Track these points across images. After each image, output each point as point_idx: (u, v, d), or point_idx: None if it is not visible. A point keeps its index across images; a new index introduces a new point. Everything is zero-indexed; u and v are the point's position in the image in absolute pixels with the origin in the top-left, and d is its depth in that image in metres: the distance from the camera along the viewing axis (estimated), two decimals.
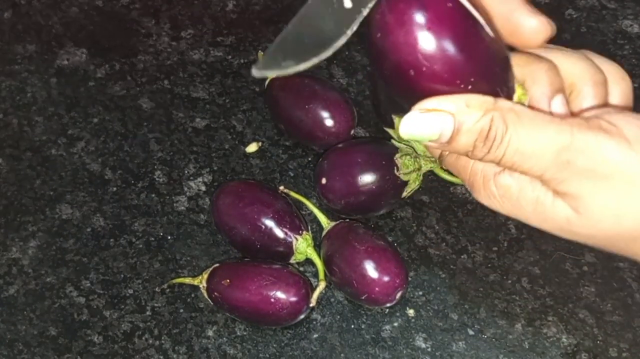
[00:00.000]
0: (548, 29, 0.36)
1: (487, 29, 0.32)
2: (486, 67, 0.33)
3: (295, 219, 0.56)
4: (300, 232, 0.55)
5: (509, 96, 0.34)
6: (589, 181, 0.32)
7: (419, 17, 0.30)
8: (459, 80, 0.32)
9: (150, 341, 0.55)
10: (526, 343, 0.54)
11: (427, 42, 0.30)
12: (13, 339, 0.55)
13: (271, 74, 0.31)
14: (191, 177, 0.61)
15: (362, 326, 0.55)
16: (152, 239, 0.59)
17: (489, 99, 0.32)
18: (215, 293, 0.53)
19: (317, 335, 0.55)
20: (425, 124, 0.32)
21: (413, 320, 0.55)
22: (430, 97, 0.32)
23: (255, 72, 0.31)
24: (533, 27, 0.35)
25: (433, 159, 0.56)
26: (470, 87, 0.32)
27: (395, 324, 0.55)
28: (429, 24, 0.30)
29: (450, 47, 0.31)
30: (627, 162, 0.31)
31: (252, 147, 0.62)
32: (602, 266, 0.57)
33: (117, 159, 0.62)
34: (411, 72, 0.31)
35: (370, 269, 0.52)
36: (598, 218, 0.33)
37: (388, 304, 0.54)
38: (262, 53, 0.65)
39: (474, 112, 0.32)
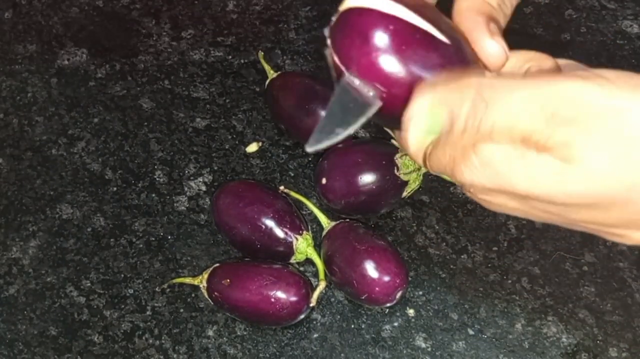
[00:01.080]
0: (503, 57, 0.36)
1: (440, 35, 0.33)
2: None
3: (296, 219, 0.56)
4: (301, 232, 0.55)
5: None
6: (578, 127, 0.31)
7: (365, 50, 0.32)
8: None
9: (151, 341, 0.55)
10: (526, 342, 0.54)
11: (377, 73, 0.32)
12: (13, 338, 0.55)
13: (324, 145, 0.34)
14: (191, 177, 0.61)
15: (362, 326, 0.55)
16: (153, 239, 0.59)
17: (460, 83, 0.32)
18: (216, 293, 0.53)
19: (317, 335, 0.55)
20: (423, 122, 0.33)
21: (413, 320, 0.55)
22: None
23: (310, 149, 0.34)
24: (492, 51, 0.35)
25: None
26: None
27: (396, 324, 0.55)
28: (375, 55, 0.32)
29: (401, 70, 0.32)
30: (612, 100, 0.30)
31: (253, 147, 0.62)
32: (602, 266, 0.57)
33: (118, 159, 0.62)
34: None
35: (371, 269, 0.52)
36: (592, 163, 0.31)
37: (388, 304, 0.54)
38: (262, 53, 0.65)
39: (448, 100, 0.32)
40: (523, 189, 0.33)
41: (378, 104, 0.33)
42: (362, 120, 0.34)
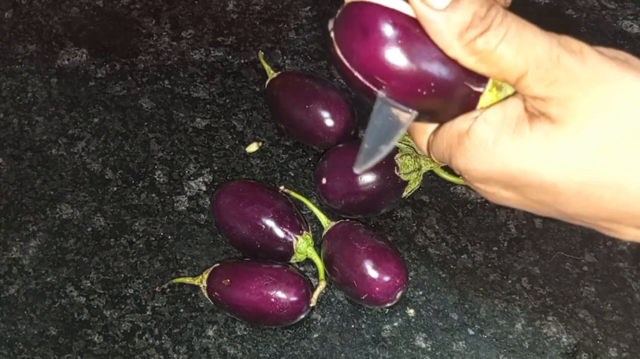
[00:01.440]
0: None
1: None
2: (446, 68, 0.33)
3: (296, 219, 0.56)
4: (301, 232, 0.55)
5: (479, 85, 0.34)
6: (575, 84, 0.31)
7: (362, 44, 0.32)
8: (419, 89, 0.33)
9: (151, 341, 0.55)
10: (526, 342, 0.54)
11: (377, 65, 0.33)
12: (13, 338, 0.55)
13: (371, 165, 0.36)
14: (192, 177, 0.61)
15: (363, 326, 0.55)
16: (153, 239, 0.59)
17: None
18: (216, 293, 0.53)
19: (317, 335, 0.55)
20: None
21: (413, 320, 0.55)
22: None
23: (358, 171, 0.35)
24: None
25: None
26: (433, 91, 0.33)
27: (396, 324, 0.55)
28: (375, 48, 0.32)
29: (401, 62, 0.32)
30: (606, 70, 0.32)
31: (253, 147, 0.62)
32: (602, 266, 0.57)
33: (118, 159, 0.62)
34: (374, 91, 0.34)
35: (371, 269, 0.52)
36: (582, 125, 0.31)
37: (388, 304, 0.54)
38: (262, 53, 0.65)
39: None
40: (514, 169, 0.32)
41: (415, 115, 0.34)
42: (402, 133, 0.35)
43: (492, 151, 0.33)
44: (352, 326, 0.55)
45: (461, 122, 0.34)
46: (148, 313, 0.56)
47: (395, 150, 0.56)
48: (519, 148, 0.32)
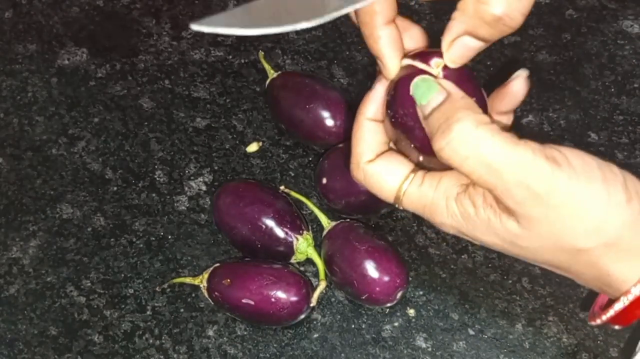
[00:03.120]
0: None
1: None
2: None
3: (296, 219, 0.56)
4: (301, 232, 0.55)
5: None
6: (541, 208, 0.35)
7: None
8: None
9: (151, 341, 0.55)
10: (527, 342, 0.54)
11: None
12: (13, 338, 0.55)
13: (210, 30, 0.35)
14: (192, 177, 0.61)
15: (363, 326, 0.55)
16: (153, 238, 0.59)
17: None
18: (216, 293, 0.53)
19: (317, 335, 0.55)
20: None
21: (413, 320, 0.55)
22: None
23: (196, 27, 0.34)
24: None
25: None
26: None
27: (396, 324, 0.55)
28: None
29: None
30: (573, 192, 0.35)
31: (253, 147, 0.62)
32: None
33: (118, 159, 0.62)
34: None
35: (371, 269, 0.52)
36: (544, 236, 0.37)
37: (388, 304, 0.54)
38: (262, 53, 0.65)
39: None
40: (486, 241, 0.40)
41: None
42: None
43: (472, 222, 0.39)
44: (353, 326, 0.55)
45: (449, 189, 0.39)
46: (148, 312, 0.56)
47: None
48: (492, 231, 0.38)
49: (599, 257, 0.37)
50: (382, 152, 0.42)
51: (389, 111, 0.40)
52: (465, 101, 0.37)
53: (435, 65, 0.38)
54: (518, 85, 0.40)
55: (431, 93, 0.37)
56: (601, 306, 0.42)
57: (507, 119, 0.42)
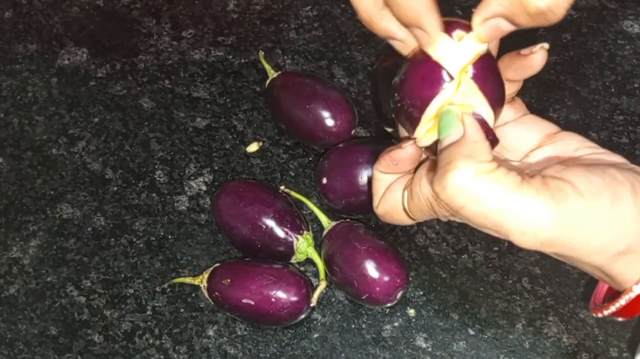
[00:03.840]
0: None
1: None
2: None
3: (296, 219, 0.56)
4: (301, 232, 0.55)
5: None
6: (551, 248, 0.36)
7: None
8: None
9: (151, 341, 0.55)
10: (527, 343, 0.54)
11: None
12: (13, 338, 0.55)
13: None
14: (192, 177, 0.61)
15: (363, 326, 0.55)
16: (153, 238, 0.59)
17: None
18: (216, 293, 0.53)
19: (317, 335, 0.55)
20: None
21: (414, 320, 0.55)
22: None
23: None
24: None
25: None
26: None
27: (396, 324, 0.55)
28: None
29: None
30: (581, 219, 0.35)
31: (253, 147, 0.62)
32: None
33: (118, 159, 0.62)
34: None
35: (371, 269, 0.52)
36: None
37: (389, 304, 0.54)
38: (262, 53, 0.65)
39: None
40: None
41: None
42: None
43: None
44: (353, 326, 0.55)
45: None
46: (148, 312, 0.56)
47: None
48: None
49: (609, 266, 0.37)
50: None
51: (395, 95, 0.39)
52: (474, 147, 0.36)
53: (457, 38, 0.37)
54: (539, 57, 0.38)
55: (451, 128, 0.36)
56: (601, 296, 0.42)
57: (517, 86, 0.41)
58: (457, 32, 0.37)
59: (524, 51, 0.39)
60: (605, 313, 0.40)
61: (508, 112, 0.42)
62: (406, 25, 0.37)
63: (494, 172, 0.35)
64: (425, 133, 0.38)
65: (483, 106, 0.38)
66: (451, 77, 0.37)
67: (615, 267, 0.37)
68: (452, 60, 0.37)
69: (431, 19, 0.36)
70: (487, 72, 0.38)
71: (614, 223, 0.35)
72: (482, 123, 0.38)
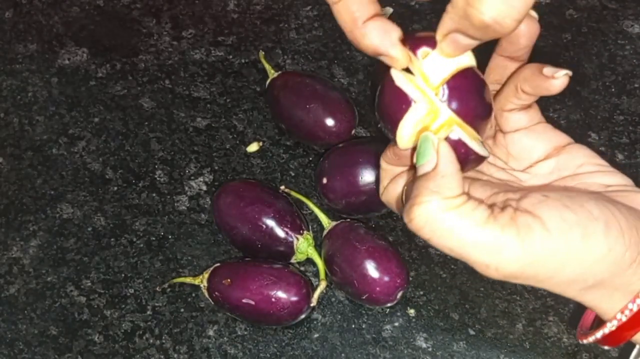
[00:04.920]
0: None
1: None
2: None
3: (296, 219, 0.56)
4: (301, 231, 0.55)
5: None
6: (515, 280, 0.36)
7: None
8: None
9: (151, 341, 0.55)
10: (527, 343, 0.54)
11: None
12: (14, 338, 0.55)
13: None
14: (192, 177, 0.61)
15: (363, 326, 0.55)
16: (153, 238, 0.59)
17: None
18: (216, 293, 0.53)
19: (317, 335, 0.55)
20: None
21: (414, 320, 0.55)
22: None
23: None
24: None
25: None
26: None
27: (396, 324, 0.55)
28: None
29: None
30: (547, 254, 0.35)
31: (253, 147, 0.62)
32: None
33: (118, 159, 0.62)
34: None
35: (371, 269, 0.52)
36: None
37: (389, 304, 0.54)
38: (263, 52, 0.65)
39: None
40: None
41: None
42: None
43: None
44: (353, 326, 0.55)
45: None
46: (148, 312, 0.56)
47: None
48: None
49: (578, 297, 0.38)
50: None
51: (376, 101, 0.39)
52: (442, 182, 0.36)
53: (422, 55, 0.37)
54: (559, 83, 0.38)
55: (425, 158, 0.37)
56: (587, 324, 0.42)
57: (533, 98, 0.41)
58: (423, 50, 0.37)
59: (546, 71, 0.38)
60: (591, 339, 0.40)
61: (522, 118, 0.42)
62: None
63: (461, 208, 0.35)
64: (407, 141, 0.38)
65: (461, 125, 0.37)
66: (419, 98, 0.37)
67: (587, 299, 0.38)
68: (420, 79, 0.37)
69: (392, 50, 0.36)
70: (463, 88, 0.37)
71: (582, 260, 0.35)
72: (460, 145, 0.37)
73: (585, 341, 0.41)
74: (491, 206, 0.36)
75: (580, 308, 0.43)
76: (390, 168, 0.43)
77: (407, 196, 0.38)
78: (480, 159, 0.39)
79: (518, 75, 0.40)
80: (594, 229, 0.35)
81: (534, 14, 0.38)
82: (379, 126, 0.41)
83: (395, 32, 0.36)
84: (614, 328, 0.39)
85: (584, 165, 0.41)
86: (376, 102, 0.39)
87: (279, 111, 0.61)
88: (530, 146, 0.42)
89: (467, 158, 0.37)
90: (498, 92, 0.42)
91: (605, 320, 0.39)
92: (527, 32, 0.39)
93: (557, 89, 0.38)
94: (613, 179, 0.40)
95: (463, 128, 0.37)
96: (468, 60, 0.37)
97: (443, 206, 0.35)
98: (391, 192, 0.43)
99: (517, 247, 0.35)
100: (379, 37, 0.36)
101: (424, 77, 0.37)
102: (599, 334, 0.39)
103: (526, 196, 0.37)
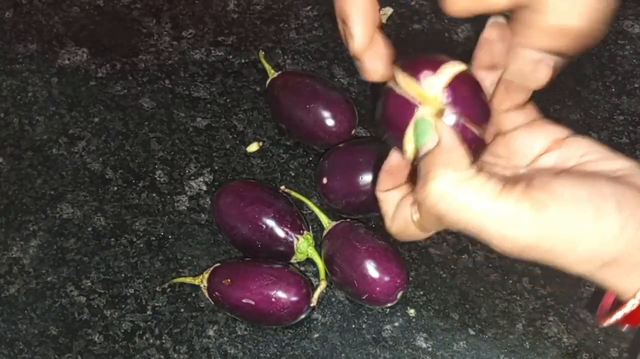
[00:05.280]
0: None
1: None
2: None
3: (296, 219, 0.56)
4: (301, 231, 0.55)
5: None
6: (529, 253, 0.37)
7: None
8: None
9: (151, 341, 0.55)
10: (527, 343, 0.54)
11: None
12: (14, 338, 0.55)
13: None
14: (192, 177, 0.61)
15: (363, 326, 0.55)
16: (153, 238, 0.59)
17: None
18: (216, 293, 0.53)
19: (317, 335, 0.55)
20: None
21: (414, 320, 0.55)
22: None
23: None
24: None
25: None
26: None
27: (396, 324, 0.55)
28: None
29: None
30: (561, 229, 0.35)
31: (253, 147, 0.62)
32: None
33: (118, 159, 0.62)
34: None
35: (371, 269, 0.52)
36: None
37: (389, 304, 0.54)
38: (263, 52, 0.65)
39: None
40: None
41: None
42: None
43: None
44: (353, 326, 0.55)
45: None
46: (148, 312, 0.56)
47: None
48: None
49: (596, 275, 0.38)
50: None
51: (378, 115, 0.40)
52: (450, 156, 0.36)
53: (422, 78, 0.38)
54: (542, 74, 0.40)
55: (425, 137, 0.37)
56: (607, 306, 0.42)
57: (527, 95, 0.42)
58: (426, 75, 0.38)
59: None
60: (611, 320, 0.40)
61: (518, 116, 0.43)
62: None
63: (473, 180, 0.35)
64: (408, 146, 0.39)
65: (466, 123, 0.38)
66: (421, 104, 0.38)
67: (604, 278, 0.38)
68: (419, 86, 0.38)
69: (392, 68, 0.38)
70: (464, 89, 0.38)
71: (596, 237, 0.35)
72: (462, 128, 0.38)
73: (605, 324, 0.40)
74: (502, 181, 0.36)
75: (598, 293, 0.43)
76: (390, 196, 0.43)
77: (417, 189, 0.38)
78: (481, 142, 0.39)
79: (504, 77, 0.40)
80: (606, 207, 0.35)
81: (500, 19, 0.39)
82: (383, 138, 0.41)
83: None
84: (634, 307, 0.38)
85: (586, 154, 0.41)
86: (379, 115, 0.40)
87: (279, 111, 0.61)
88: (531, 141, 0.42)
89: (466, 137, 0.38)
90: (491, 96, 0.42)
91: (624, 301, 0.39)
92: (498, 37, 0.39)
93: (542, 79, 0.40)
94: (618, 163, 0.40)
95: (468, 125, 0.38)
96: (464, 66, 0.38)
97: (456, 179, 0.35)
98: (401, 218, 0.42)
99: (532, 219, 0.35)
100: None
101: (424, 95, 0.38)
102: (619, 314, 0.39)
103: (537, 176, 0.37)
